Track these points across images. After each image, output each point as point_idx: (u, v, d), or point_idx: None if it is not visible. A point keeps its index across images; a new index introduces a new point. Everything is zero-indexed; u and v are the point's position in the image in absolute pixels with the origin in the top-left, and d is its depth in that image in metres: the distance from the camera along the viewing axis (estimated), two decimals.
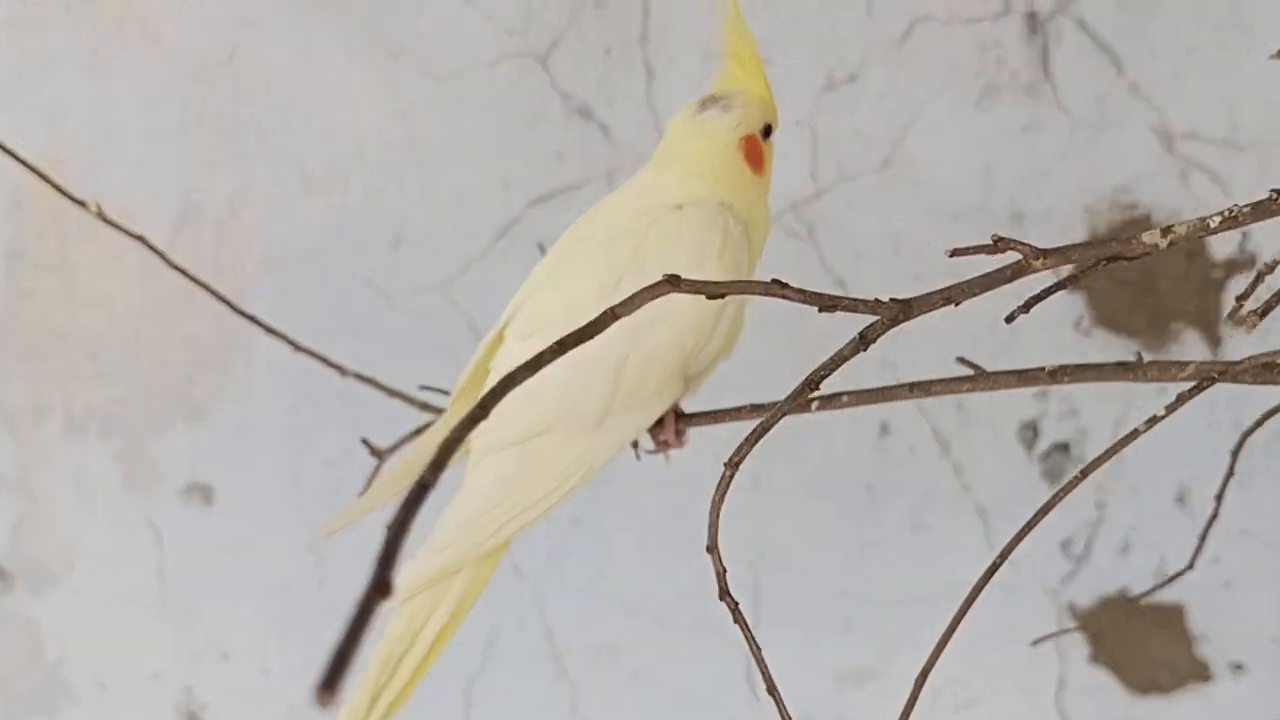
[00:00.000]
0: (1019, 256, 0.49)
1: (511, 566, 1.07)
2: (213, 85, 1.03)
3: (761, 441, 1.12)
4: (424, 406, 0.82)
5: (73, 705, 1.07)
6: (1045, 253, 0.48)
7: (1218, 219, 0.50)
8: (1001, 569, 1.08)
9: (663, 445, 0.72)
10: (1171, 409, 0.57)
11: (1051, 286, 0.52)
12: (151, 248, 0.75)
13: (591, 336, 0.45)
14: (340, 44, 1.03)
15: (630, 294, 0.46)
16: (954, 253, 0.46)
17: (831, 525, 1.06)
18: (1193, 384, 0.58)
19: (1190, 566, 0.77)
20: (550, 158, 1.03)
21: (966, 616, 0.65)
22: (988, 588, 1.06)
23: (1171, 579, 0.79)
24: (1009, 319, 0.51)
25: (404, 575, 0.68)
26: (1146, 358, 0.88)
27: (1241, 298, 0.51)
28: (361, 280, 1.04)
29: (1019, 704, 1.07)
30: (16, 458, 1.06)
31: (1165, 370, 0.58)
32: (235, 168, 1.04)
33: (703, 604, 1.08)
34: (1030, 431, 1.06)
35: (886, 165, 1.04)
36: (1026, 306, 0.50)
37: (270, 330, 0.79)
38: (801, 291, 0.48)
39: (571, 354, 0.69)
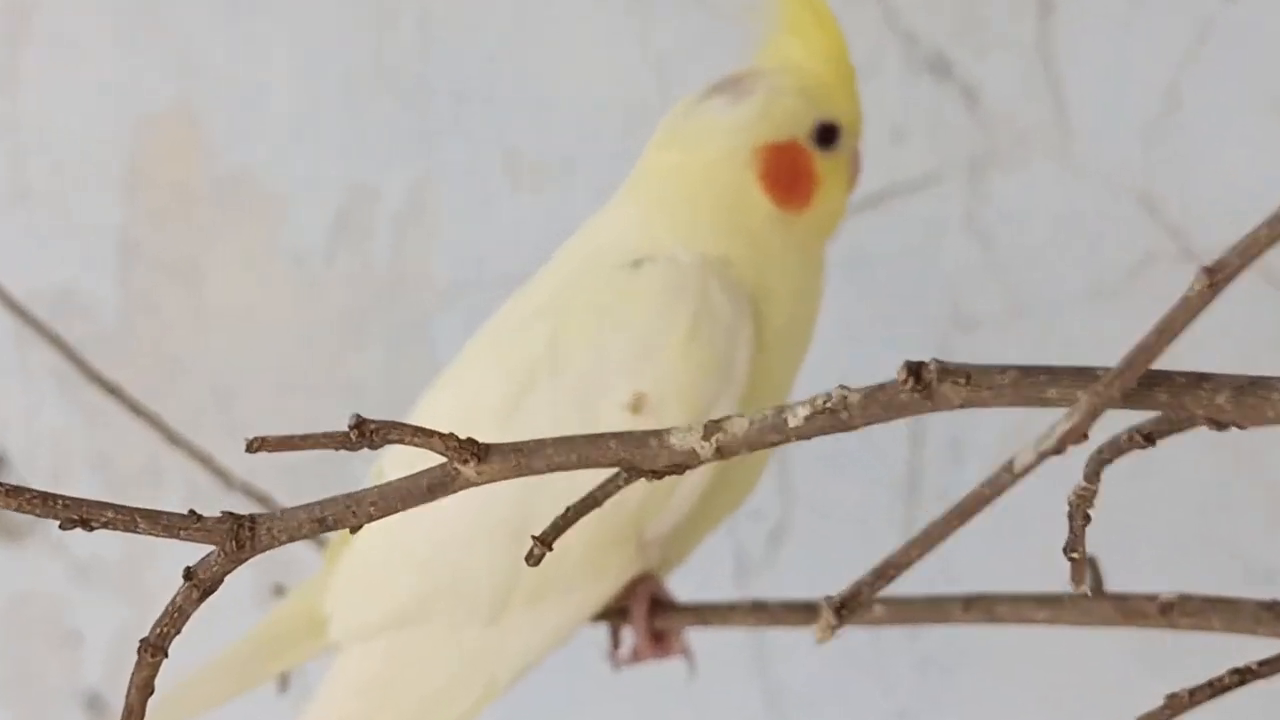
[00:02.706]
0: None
1: None
2: (394, 30, 0.84)
3: None
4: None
5: None
6: (483, 453, 0.35)
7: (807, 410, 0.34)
8: None
9: (635, 656, 0.56)
10: None
11: None
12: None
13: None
14: None
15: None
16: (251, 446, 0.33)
17: None
18: None
19: None
20: (884, 136, 0.81)
21: None
22: None
23: None
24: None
25: None
26: None
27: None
28: None
29: None
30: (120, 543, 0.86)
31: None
32: (419, 150, 0.86)
33: None
34: None
35: None
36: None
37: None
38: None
39: (452, 513, 0.49)
